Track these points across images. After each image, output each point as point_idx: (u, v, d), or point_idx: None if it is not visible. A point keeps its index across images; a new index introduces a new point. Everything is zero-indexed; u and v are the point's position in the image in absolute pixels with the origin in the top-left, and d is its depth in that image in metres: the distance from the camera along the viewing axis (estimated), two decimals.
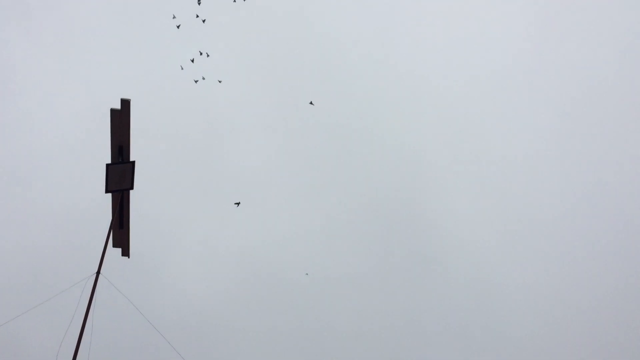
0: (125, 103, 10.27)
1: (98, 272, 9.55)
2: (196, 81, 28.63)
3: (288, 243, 34.81)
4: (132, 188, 10.62)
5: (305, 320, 32.68)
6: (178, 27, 28.09)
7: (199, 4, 27.41)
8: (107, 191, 10.48)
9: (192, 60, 28.18)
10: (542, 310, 31.84)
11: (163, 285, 31.36)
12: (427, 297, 33.14)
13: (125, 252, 11.55)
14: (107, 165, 10.37)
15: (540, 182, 35.74)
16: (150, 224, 32.88)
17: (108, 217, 10.97)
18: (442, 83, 38.62)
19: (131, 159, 10.61)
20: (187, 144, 36.78)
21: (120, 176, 10.38)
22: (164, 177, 35.43)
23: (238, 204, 24.77)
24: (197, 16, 27.48)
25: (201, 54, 28.26)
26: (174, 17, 28.38)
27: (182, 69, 28.59)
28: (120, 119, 10.31)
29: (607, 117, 35.93)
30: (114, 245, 11.32)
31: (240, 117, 37.26)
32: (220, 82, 30.06)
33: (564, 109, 36.69)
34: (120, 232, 11.16)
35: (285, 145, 36.46)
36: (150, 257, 31.56)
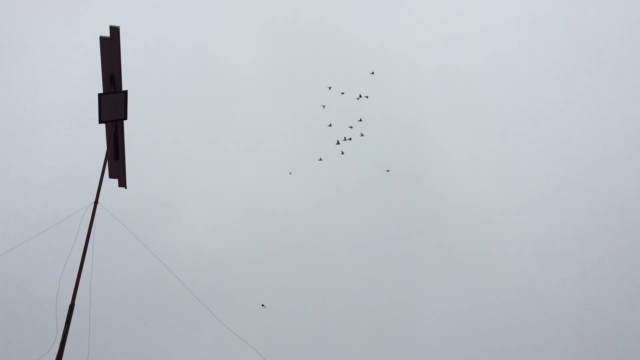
0: (115, 30, 9.97)
1: (96, 202, 9.58)
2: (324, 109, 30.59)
3: (294, 191, 35.18)
4: (125, 118, 10.49)
5: (309, 262, 33.40)
6: (323, 107, 28.63)
7: (329, 88, 27.77)
8: (100, 121, 10.36)
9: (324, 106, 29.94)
10: (537, 250, 32.66)
11: (162, 217, 31.72)
12: (427, 237, 33.94)
13: (122, 183, 11.54)
14: (100, 95, 10.19)
15: (538, 128, 35.90)
16: (148, 157, 32.86)
17: (104, 148, 10.90)
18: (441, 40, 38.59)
19: (124, 89, 10.43)
20: (186, 79, 36.42)
21: (113, 106, 10.22)
22: (160, 109, 35.09)
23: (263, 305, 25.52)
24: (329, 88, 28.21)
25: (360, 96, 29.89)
26: (329, 88, 29.01)
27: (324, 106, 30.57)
28: (110, 47, 10.04)
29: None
30: (111, 176, 11.29)
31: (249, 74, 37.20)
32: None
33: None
34: (116, 162, 11.11)
35: (292, 100, 36.59)
36: (147, 190, 31.71)
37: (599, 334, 29.17)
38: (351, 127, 29.03)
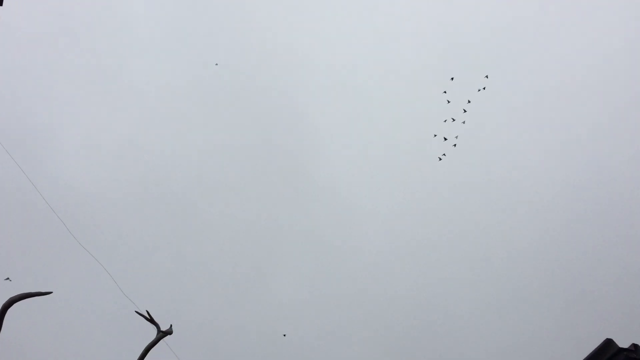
0: None
1: None
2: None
3: (177, 143, 34.44)
4: (0, 4, 9.73)
5: (178, 212, 33.11)
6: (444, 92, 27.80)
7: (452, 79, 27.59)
8: None
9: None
10: (391, 232, 34.97)
11: (33, 136, 29.93)
12: (293, 213, 35.06)
13: None
14: None
15: (405, 118, 37.76)
16: (27, 60, 30.63)
17: None
18: None
19: None
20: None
21: None
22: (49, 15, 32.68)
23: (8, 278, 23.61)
24: None
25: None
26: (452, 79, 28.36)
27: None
28: None
29: None
30: None
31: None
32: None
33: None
34: None
35: (193, 53, 35.64)
36: (18, 102, 29.81)
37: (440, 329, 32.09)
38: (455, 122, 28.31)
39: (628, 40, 34.56)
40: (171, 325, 11.08)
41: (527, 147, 36.13)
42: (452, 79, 28.92)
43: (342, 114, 37.18)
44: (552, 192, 34.53)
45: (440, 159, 29.58)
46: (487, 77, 29.39)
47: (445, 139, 28.50)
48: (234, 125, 35.97)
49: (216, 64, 31.40)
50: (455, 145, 28.50)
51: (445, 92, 28.11)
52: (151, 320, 11.29)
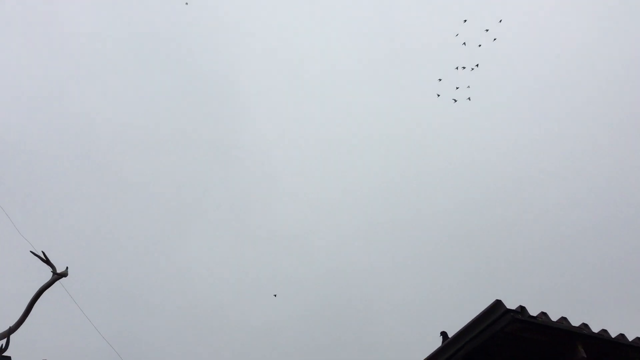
0: None
1: None
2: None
3: (103, 98, 33.16)
4: None
5: (104, 171, 32.08)
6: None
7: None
8: None
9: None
10: (316, 205, 35.38)
11: None
12: (218, 173, 34.68)
13: None
14: None
15: (341, 89, 37.88)
16: None
17: None
18: None
19: None
20: None
21: None
22: None
23: None
24: None
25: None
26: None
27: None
28: None
29: None
30: None
31: None
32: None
33: None
34: None
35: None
36: None
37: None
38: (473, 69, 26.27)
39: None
40: (67, 268, 10.66)
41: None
42: (465, 21, 26.65)
43: (276, 79, 36.83)
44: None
45: (455, 100, 27.24)
46: (500, 21, 26.73)
47: (457, 88, 26.81)
48: (163, 85, 35.12)
49: (186, 3, 29.70)
50: (469, 98, 26.99)
51: (457, 34, 26.22)
52: (47, 261, 10.81)
